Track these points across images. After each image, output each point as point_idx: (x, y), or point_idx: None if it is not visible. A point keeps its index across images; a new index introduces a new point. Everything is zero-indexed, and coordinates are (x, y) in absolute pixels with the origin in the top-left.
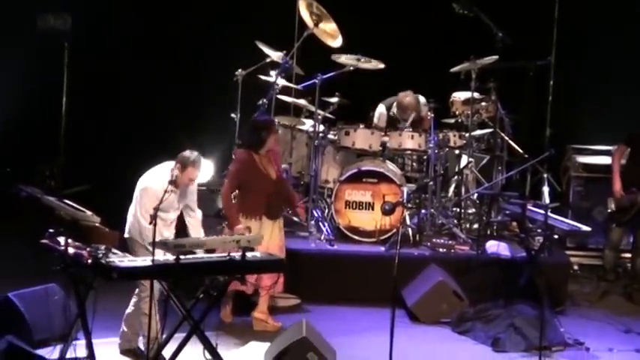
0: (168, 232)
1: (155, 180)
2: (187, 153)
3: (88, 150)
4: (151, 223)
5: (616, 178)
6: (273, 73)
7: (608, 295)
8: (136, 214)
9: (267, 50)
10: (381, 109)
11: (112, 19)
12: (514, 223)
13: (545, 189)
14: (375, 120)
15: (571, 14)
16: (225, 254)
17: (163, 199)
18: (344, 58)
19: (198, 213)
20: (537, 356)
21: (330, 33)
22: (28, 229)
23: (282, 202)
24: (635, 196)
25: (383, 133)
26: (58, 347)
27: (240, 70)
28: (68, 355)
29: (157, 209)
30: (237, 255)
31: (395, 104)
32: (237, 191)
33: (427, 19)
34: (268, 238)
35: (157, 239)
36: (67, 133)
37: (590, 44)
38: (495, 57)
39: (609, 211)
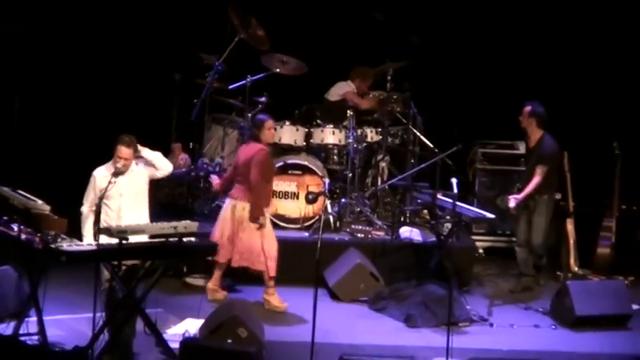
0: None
1: (99, 169)
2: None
3: (38, 147)
4: (96, 213)
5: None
6: (208, 74)
7: (530, 289)
8: None
9: (203, 55)
10: (344, 87)
11: (61, 26)
12: (425, 211)
13: (454, 180)
14: (335, 96)
15: (477, 14)
16: (164, 239)
17: (108, 187)
18: (271, 62)
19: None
20: (446, 331)
21: (258, 38)
22: None
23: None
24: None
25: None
26: (12, 324)
27: (177, 73)
28: (21, 331)
29: (101, 198)
30: (174, 240)
31: (353, 78)
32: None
33: (348, 25)
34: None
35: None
36: (19, 129)
37: (493, 44)
38: (407, 60)
39: (504, 207)
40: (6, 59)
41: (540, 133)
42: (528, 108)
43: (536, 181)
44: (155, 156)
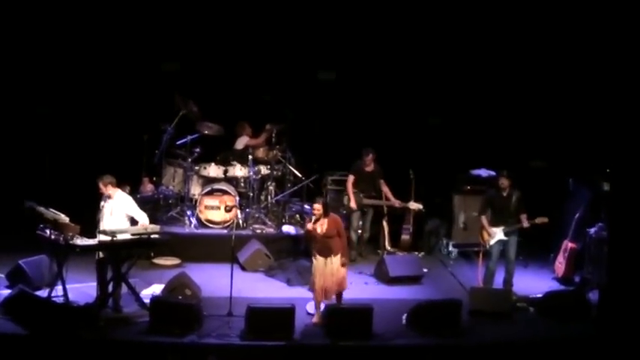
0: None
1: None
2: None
3: (62, 183)
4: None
5: (351, 195)
6: (163, 135)
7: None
8: None
9: (161, 123)
10: (243, 140)
11: (77, 107)
12: (297, 215)
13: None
14: (240, 146)
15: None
16: (139, 236)
17: (100, 207)
18: (202, 127)
19: (143, 219)
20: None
21: (194, 113)
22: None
23: (330, 248)
24: (360, 199)
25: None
26: (46, 290)
27: (145, 134)
28: (53, 294)
29: (99, 213)
30: (145, 237)
31: (241, 132)
32: None
33: (249, 103)
34: (325, 272)
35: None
36: (51, 172)
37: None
38: (285, 124)
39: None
40: (39, 130)
41: (374, 164)
42: (371, 152)
43: (387, 189)
44: (139, 216)
